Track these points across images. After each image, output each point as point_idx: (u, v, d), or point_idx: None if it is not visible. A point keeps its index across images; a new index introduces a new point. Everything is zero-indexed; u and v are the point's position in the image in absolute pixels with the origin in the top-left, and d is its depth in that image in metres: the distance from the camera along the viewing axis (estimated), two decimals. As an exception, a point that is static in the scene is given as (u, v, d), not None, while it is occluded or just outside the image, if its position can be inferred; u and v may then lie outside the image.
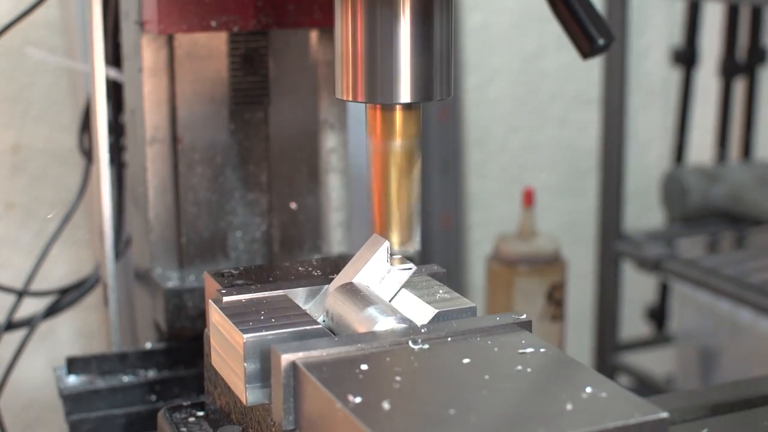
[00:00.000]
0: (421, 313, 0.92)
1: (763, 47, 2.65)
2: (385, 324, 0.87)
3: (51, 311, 1.53)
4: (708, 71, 2.71)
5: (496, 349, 0.84)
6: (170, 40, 1.23)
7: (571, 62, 2.25)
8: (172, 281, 1.26)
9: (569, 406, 0.74)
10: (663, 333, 2.66)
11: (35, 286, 1.59)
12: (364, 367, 0.80)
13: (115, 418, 1.17)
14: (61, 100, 2.07)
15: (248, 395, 0.87)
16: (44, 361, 2.12)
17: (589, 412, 0.73)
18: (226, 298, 0.93)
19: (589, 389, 0.76)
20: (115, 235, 1.36)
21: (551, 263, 1.97)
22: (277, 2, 1.21)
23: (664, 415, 0.73)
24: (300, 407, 0.81)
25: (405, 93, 0.96)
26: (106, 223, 1.30)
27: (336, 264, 1.02)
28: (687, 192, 2.37)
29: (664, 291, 2.64)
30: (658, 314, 2.66)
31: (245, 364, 0.86)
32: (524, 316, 0.89)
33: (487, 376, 0.79)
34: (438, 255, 2.53)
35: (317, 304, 0.97)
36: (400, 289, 0.96)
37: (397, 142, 0.98)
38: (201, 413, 1.04)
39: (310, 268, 1.02)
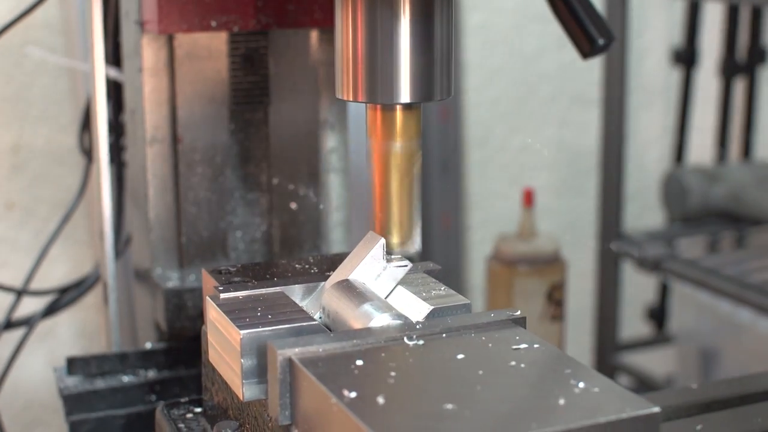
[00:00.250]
0: (417, 309, 0.93)
1: (763, 47, 2.65)
2: (380, 320, 0.88)
3: (50, 310, 1.53)
4: (708, 71, 2.71)
5: (490, 345, 0.85)
6: (170, 40, 1.23)
7: (571, 62, 2.25)
8: (172, 281, 1.26)
9: (562, 401, 0.74)
10: (663, 333, 2.66)
11: (35, 285, 1.60)
12: (359, 362, 0.81)
13: (115, 418, 1.17)
14: (61, 100, 2.07)
15: (245, 391, 0.87)
16: (44, 361, 2.12)
17: (582, 407, 0.74)
18: (223, 295, 0.94)
19: (581, 384, 0.77)
20: (115, 234, 1.36)
21: (551, 263, 1.97)
22: (277, 2, 1.21)
23: (656, 409, 0.73)
24: (296, 402, 0.82)
25: (405, 93, 0.96)
26: (105, 223, 1.30)
27: (332, 261, 1.03)
28: (687, 192, 2.37)
29: (664, 291, 2.64)
30: (658, 314, 2.66)
31: (242, 360, 0.86)
32: (518, 313, 0.89)
33: (480, 372, 0.80)
34: (438, 255, 2.53)
35: (314, 300, 0.97)
36: (396, 286, 0.96)
37: (398, 142, 0.98)
38: (199, 409, 1.04)
39: (306, 266, 1.03)
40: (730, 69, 2.64)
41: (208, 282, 1.00)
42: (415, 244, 1.01)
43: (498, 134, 2.66)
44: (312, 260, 1.04)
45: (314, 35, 1.28)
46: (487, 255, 2.04)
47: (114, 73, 1.39)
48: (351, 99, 0.97)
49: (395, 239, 0.99)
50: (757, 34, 2.64)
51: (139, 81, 1.24)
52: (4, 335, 1.55)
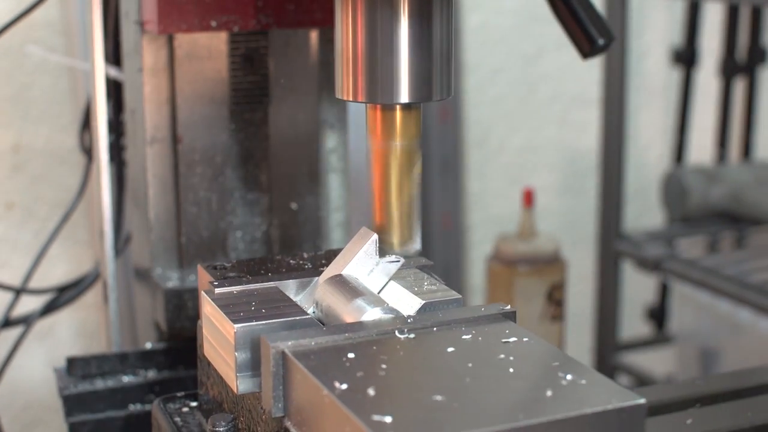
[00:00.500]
0: (409, 304, 0.94)
1: (763, 47, 2.65)
2: (372, 314, 0.89)
3: (49, 308, 1.53)
4: (708, 71, 2.71)
5: (480, 338, 0.86)
6: (170, 40, 1.23)
7: (571, 62, 2.25)
8: (172, 281, 1.26)
9: (549, 393, 0.76)
10: (663, 333, 2.66)
11: (36, 285, 1.60)
12: (351, 355, 0.82)
13: (115, 418, 1.17)
14: (61, 100, 2.07)
15: (239, 384, 0.88)
16: (44, 361, 2.12)
17: (569, 399, 0.75)
18: (218, 290, 0.95)
19: (569, 377, 0.78)
20: (115, 234, 1.36)
21: (551, 263, 1.97)
22: (277, 2, 1.21)
23: (641, 401, 0.75)
24: (289, 395, 0.83)
25: (405, 93, 0.96)
26: (105, 222, 1.30)
27: (326, 257, 1.04)
28: (687, 192, 2.37)
29: (664, 291, 2.64)
30: (658, 314, 2.66)
31: (236, 354, 0.87)
32: (508, 307, 0.91)
33: (470, 364, 0.81)
34: (438, 255, 2.53)
35: (307, 295, 0.98)
36: (389, 281, 0.97)
37: (398, 142, 0.99)
38: (194, 404, 1.05)
39: (300, 261, 1.04)
40: (730, 69, 2.64)
41: (204, 277, 1.02)
42: (415, 244, 1.01)
43: (498, 134, 2.66)
44: (306, 256, 1.05)
45: (314, 35, 1.28)
46: (487, 255, 2.04)
47: (114, 72, 1.39)
48: (351, 99, 0.97)
49: (395, 239, 0.99)
50: (757, 34, 2.64)
51: (139, 81, 1.24)
52: (3, 334, 1.55)
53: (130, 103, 1.31)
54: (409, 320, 0.88)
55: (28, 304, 1.61)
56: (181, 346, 1.23)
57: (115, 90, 1.40)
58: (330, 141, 1.35)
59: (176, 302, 1.23)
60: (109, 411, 1.18)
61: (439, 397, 0.75)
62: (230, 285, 0.96)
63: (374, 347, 0.84)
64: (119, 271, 1.43)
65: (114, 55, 1.38)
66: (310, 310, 0.96)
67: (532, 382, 0.78)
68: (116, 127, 1.44)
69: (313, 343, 0.84)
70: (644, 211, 2.82)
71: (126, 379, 1.21)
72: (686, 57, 2.62)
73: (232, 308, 0.91)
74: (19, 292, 1.55)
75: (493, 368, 0.80)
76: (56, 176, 2.09)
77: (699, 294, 2.26)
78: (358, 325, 0.87)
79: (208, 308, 0.94)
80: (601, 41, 1.21)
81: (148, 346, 1.25)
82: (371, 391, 0.76)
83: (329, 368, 0.80)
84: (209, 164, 1.26)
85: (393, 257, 0.98)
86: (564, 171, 2.77)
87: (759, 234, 2.34)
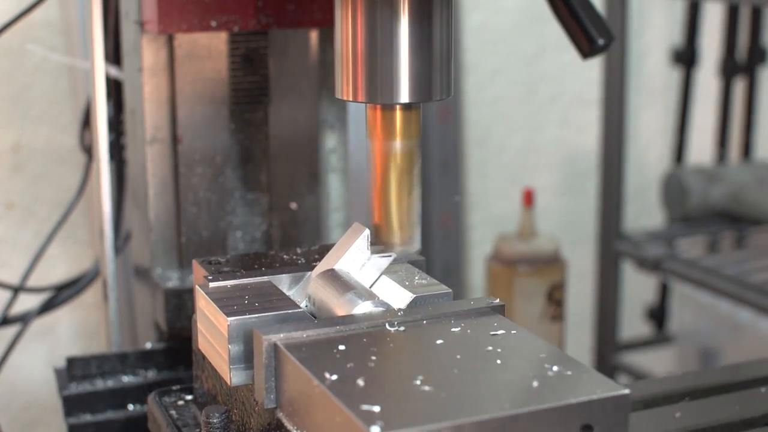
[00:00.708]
0: (399, 297, 0.95)
1: (763, 47, 2.65)
2: (363, 308, 0.90)
3: (47, 307, 1.53)
4: (708, 71, 2.71)
5: (468, 331, 0.87)
6: (170, 40, 1.23)
7: (571, 62, 2.25)
8: (172, 281, 1.26)
9: (535, 383, 0.77)
10: (663, 333, 2.66)
11: (35, 285, 1.60)
12: (341, 347, 0.83)
13: (115, 418, 1.17)
14: (61, 100, 2.07)
15: (232, 376, 0.89)
16: (44, 361, 2.12)
17: (554, 389, 0.76)
18: (212, 284, 0.96)
19: (555, 368, 0.80)
20: (115, 233, 1.36)
21: (551, 263, 1.97)
22: (277, 2, 1.21)
23: (626, 391, 0.76)
24: (281, 386, 0.84)
25: (405, 93, 0.96)
26: (105, 221, 1.30)
27: (319, 252, 1.05)
28: (687, 192, 2.37)
29: (664, 291, 2.64)
30: (658, 314, 2.66)
31: (229, 346, 0.89)
32: (497, 301, 0.92)
33: (458, 356, 0.82)
34: (438, 255, 2.53)
35: (300, 289, 0.99)
36: (380, 275, 0.98)
37: (398, 142, 0.99)
38: (189, 397, 1.07)
39: (294, 256, 1.05)
40: (730, 69, 2.63)
41: (199, 272, 1.03)
42: (415, 244, 1.01)
43: (498, 134, 2.66)
44: (299, 251, 1.06)
45: (314, 35, 1.28)
46: (487, 255, 2.04)
47: (114, 72, 1.39)
48: (351, 99, 0.97)
49: (395, 239, 1.00)
50: (757, 34, 2.64)
51: (139, 81, 1.24)
52: (2, 333, 1.55)
53: (130, 103, 1.31)
54: (399, 313, 0.90)
55: (28, 303, 1.61)
56: (181, 346, 1.23)
57: (115, 90, 1.40)
58: (330, 141, 1.35)
59: (176, 302, 1.23)
60: (109, 411, 1.18)
61: (427, 388, 0.77)
62: (224, 279, 0.97)
63: (365, 339, 0.85)
64: (119, 271, 1.43)
65: (114, 55, 1.38)
66: (302, 304, 0.97)
67: (519, 373, 0.80)
68: (116, 127, 1.44)
69: (304, 336, 0.85)
70: (644, 211, 2.82)
71: (126, 379, 1.21)
72: (686, 57, 2.62)
73: (225, 302, 0.92)
74: (17, 290, 1.55)
75: (480, 360, 0.82)
76: (56, 176, 2.09)
77: (699, 294, 2.26)
78: (349, 318, 0.89)
79: (203, 302, 0.95)
80: (601, 41, 1.21)
81: (148, 346, 1.25)
82: (361, 382, 0.77)
83: (320, 360, 0.81)
84: (209, 164, 1.26)
85: (385, 252, 0.98)
86: (564, 171, 2.77)
87: (759, 234, 2.34)
